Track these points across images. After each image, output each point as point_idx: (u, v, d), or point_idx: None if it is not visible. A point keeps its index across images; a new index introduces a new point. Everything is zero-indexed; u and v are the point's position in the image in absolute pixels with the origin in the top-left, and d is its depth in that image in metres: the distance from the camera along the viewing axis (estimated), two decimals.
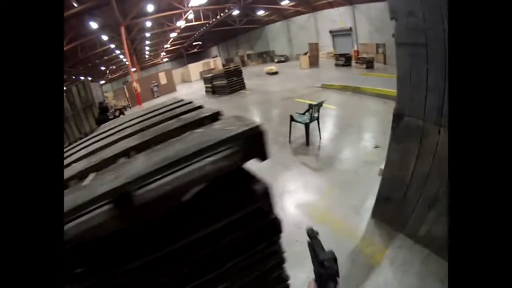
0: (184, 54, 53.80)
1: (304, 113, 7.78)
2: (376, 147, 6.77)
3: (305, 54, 27.11)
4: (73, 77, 36.62)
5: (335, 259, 1.14)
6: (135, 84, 27.23)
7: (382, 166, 4.06)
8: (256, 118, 11.44)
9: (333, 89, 14.28)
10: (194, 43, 51.48)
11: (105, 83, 50.82)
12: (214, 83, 20.03)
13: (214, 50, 56.36)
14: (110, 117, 7.83)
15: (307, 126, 7.39)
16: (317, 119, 7.68)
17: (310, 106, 7.57)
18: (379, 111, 9.46)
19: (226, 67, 20.07)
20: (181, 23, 30.04)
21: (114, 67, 45.68)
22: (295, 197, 5.46)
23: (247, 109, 13.79)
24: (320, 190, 5.53)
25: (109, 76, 50.38)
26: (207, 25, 35.07)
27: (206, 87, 21.02)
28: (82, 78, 40.01)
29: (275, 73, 25.32)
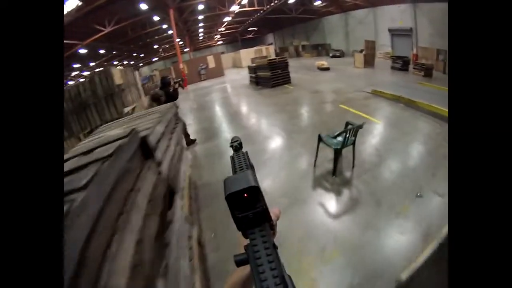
0: (239, 39, 53.69)
1: (337, 135, 6.24)
2: (418, 195, 5.28)
3: (361, 51, 25.33)
4: (125, 54, 39.21)
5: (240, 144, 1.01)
6: (181, 65, 27.02)
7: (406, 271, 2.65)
8: (288, 126, 10.55)
9: (384, 97, 12.78)
10: (249, 29, 50.91)
11: (158, 60, 53.66)
12: (258, 73, 19.02)
13: (270, 37, 55.55)
14: (170, 90, 8.15)
15: (337, 152, 6.05)
16: (353, 143, 6.30)
17: (347, 126, 6.31)
18: (433, 138, 8.07)
19: (270, 58, 19.05)
20: (234, 8, 29.81)
21: (167, 45, 46.32)
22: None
23: (281, 110, 12.74)
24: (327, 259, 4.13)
25: (162, 54, 51.27)
26: (261, 11, 34.35)
27: (250, 77, 20.17)
28: (134, 55, 42.91)
29: (326, 69, 23.87)
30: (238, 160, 0.89)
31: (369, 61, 24.32)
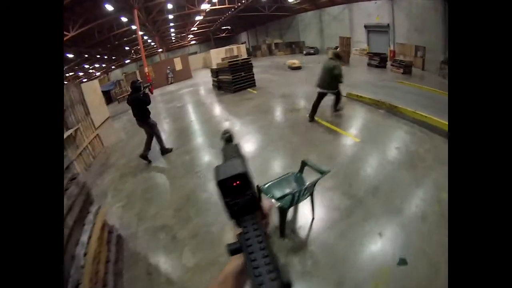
0: (211, 38, 51.65)
1: (284, 196, 4.04)
2: (400, 262, 3.53)
3: (335, 48, 23.47)
4: (95, 57, 37.61)
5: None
6: (147, 70, 25.31)
7: None
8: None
9: (361, 102, 10.82)
10: (222, 28, 49.32)
11: (131, 62, 51.85)
12: (220, 77, 16.94)
13: (244, 36, 53.76)
14: (140, 96, 7.55)
15: (283, 212, 3.99)
16: (311, 194, 4.35)
17: (303, 166, 4.53)
18: (426, 160, 6.30)
19: (231, 60, 16.76)
20: (205, 6, 28.80)
21: (139, 47, 43.45)
22: None
23: (237, 124, 10.69)
24: None
25: (134, 56, 49.29)
26: (233, 9, 32.79)
27: (213, 81, 18.03)
28: (105, 57, 41.31)
29: (298, 68, 21.96)
30: (230, 151, 0.86)
31: (344, 58, 22.37)
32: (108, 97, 25.09)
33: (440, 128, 7.59)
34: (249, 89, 15.93)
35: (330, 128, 8.61)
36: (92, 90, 15.11)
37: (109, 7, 20.47)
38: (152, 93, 9.94)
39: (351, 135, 7.89)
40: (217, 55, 34.02)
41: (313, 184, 4.11)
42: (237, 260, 0.74)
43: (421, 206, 4.68)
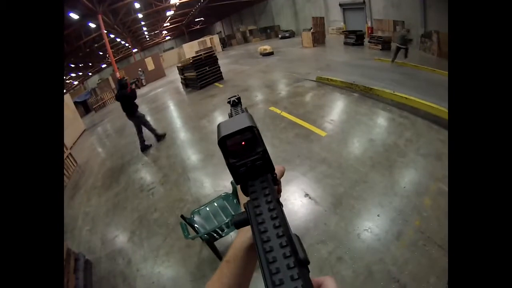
0: (185, 32, 50.21)
1: (218, 202, 3.83)
2: None
3: (310, 30, 22.12)
4: (69, 66, 36.46)
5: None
6: (118, 74, 23.53)
7: None
8: (192, 159, 7.53)
9: (333, 86, 9.42)
10: (196, 20, 47.41)
11: (106, 66, 50.09)
12: (185, 74, 15.59)
13: (219, 26, 52.21)
14: (126, 92, 7.96)
15: (209, 243, 3.54)
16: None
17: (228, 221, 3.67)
18: (407, 154, 5.19)
19: (194, 56, 15.37)
20: (174, 0, 27.72)
21: (113, 50, 42.16)
22: None
23: (196, 127, 9.36)
24: None
25: (109, 60, 47.06)
26: (202, 0, 31.68)
27: (181, 78, 16.56)
28: (81, 65, 39.90)
29: (270, 53, 20.56)
30: (236, 112, 0.77)
31: (319, 39, 21.34)
32: (86, 107, 24.42)
33: (423, 111, 6.33)
34: (215, 84, 14.69)
35: (293, 121, 7.33)
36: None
37: (74, 16, 19.58)
38: (139, 87, 10.54)
39: (316, 129, 6.63)
40: (190, 49, 32.57)
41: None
42: (246, 233, 0.67)
43: (398, 225, 3.66)
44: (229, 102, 0.87)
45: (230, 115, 0.76)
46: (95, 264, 4.58)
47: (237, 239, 0.68)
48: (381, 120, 6.48)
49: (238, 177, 0.57)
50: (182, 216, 3.71)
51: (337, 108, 7.85)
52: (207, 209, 3.96)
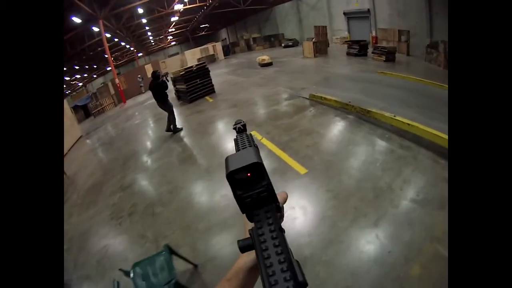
0: (190, 38, 49.52)
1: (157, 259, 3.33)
2: None
3: (312, 39, 21.18)
4: (74, 68, 37.67)
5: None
6: (117, 80, 23.87)
7: None
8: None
9: (327, 105, 8.38)
10: (201, 26, 46.90)
11: (111, 70, 49.47)
12: (177, 86, 14.63)
13: (224, 33, 51.36)
14: (159, 82, 9.18)
15: None
16: None
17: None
18: (399, 205, 4.19)
19: (185, 67, 14.70)
20: (178, 6, 27.52)
21: (118, 53, 43.64)
22: None
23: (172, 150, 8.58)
24: None
25: (115, 62, 46.95)
26: (205, 7, 30.93)
27: (174, 89, 15.37)
28: (86, 67, 40.01)
29: (269, 64, 19.52)
30: (242, 141, 0.81)
31: (321, 49, 20.27)
32: (86, 111, 24.10)
33: (427, 140, 5.28)
34: (206, 97, 13.80)
35: (272, 152, 6.34)
36: None
37: (76, 20, 19.56)
38: (168, 80, 11.12)
39: (296, 164, 5.61)
40: (192, 56, 31.93)
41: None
42: (249, 255, 0.71)
43: None
44: (234, 129, 0.91)
45: (236, 142, 0.80)
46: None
47: (240, 260, 0.72)
48: (377, 153, 5.44)
49: (244, 207, 0.60)
50: (121, 270, 3.33)
51: (327, 135, 6.80)
52: (142, 266, 3.33)
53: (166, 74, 11.41)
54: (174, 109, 9.68)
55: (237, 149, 0.76)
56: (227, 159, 0.62)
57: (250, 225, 0.59)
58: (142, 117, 14.64)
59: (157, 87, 9.17)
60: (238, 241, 0.59)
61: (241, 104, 11.21)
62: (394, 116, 6.20)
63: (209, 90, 14.37)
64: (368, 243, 3.48)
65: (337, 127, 6.94)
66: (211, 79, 14.51)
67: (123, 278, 3.26)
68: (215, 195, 5.36)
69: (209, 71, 14.46)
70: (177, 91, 14.81)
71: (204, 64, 14.48)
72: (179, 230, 4.70)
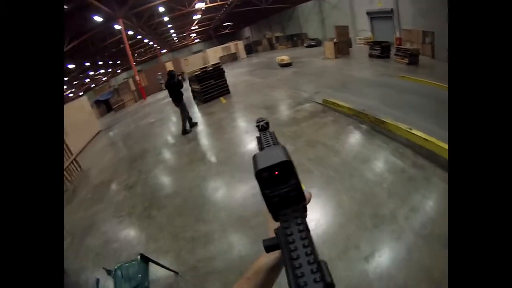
0: (213, 36, 49.70)
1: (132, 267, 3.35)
2: None
3: (333, 39, 20.60)
4: (97, 64, 38.33)
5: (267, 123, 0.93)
6: (137, 77, 24.24)
7: None
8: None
9: (339, 112, 7.95)
10: (224, 24, 46.68)
11: (136, 64, 50.51)
12: (193, 86, 14.61)
13: (247, 31, 51.10)
14: (175, 81, 9.66)
15: None
16: None
17: None
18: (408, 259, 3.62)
19: (201, 67, 14.58)
20: (200, 5, 27.19)
21: (142, 50, 44.38)
22: None
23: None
24: None
25: (138, 59, 48.06)
26: (226, 6, 30.48)
27: (191, 89, 15.54)
28: (110, 62, 41.18)
29: (288, 64, 19.13)
30: (265, 139, 0.80)
31: (342, 50, 19.61)
32: (108, 106, 24.62)
33: (444, 158, 4.81)
34: (221, 98, 13.75)
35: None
36: (78, 108, 14.67)
37: (97, 19, 20.01)
38: (184, 79, 12.00)
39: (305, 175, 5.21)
40: (214, 54, 31.99)
41: None
42: (270, 255, 0.70)
43: None
44: (257, 126, 0.90)
45: (259, 140, 0.80)
46: None
47: (261, 259, 0.71)
48: (386, 171, 5.00)
49: (272, 206, 0.58)
50: (104, 268, 3.45)
51: (334, 147, 6.31)
52: (122, 269, 3.37)
53: (182, 73, 12.26)
54: (189, 109, 10.19)
55: (260, 147, 0.76)
56: (255, 157, 0.61)
57: (274, 225, 0.57)
58: (159, 115, 14.77)
59: (173, 86, 9.66)
60: (264, 240, 0.57)
61: (251, 108, 11.09)
62: (410, 129, 5.74)
63: (224, 90, 14.31)
64: (353, 281, 3.09)
65: (347, 138, 6.54)
66: (225, 80, 14.45)
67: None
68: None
69: (224, 71, 14.34)
70: (193, 91, 14.76)
71: (219, 65, 14.34)
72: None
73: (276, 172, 0.57)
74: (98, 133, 15.32)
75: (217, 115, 11.21)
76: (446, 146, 4.97)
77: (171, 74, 9.89)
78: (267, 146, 0.74)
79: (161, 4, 24.18)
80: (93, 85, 45.97)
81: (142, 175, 7.51)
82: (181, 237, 4.61)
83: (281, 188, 0.57)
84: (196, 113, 12.10)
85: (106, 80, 48.16)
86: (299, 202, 0.58)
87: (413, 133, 5.63)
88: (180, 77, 10.38)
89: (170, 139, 10.17)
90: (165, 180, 7.12)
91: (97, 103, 24.35)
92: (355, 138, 6.44)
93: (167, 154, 8.84)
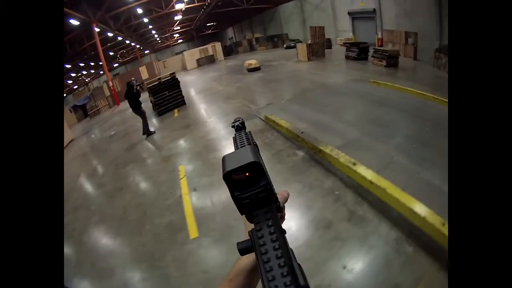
0: (194, 36, 48.45)
1: None
2: None
3: (308, 41, 19.32)
4: (79, 65, 37.43)
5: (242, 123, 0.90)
6: (111, 83, 23.22)
7: None
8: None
9: (278, 131, 6.40)
10: (207, 24, 45.65)
11: (118, 65, 50.92)
12: (150, 98, 13.84)
13: (230, 32, 49.91)
14: (134, 92, 9.80)
15: None
16: None
17: None
18: None
19: (152, 80, 13.97)
20: (180, 5, 26.80)
21: (124, 51, 43.38)
22: None
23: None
24: None
25: (120, 60, 47.67)
26: (205, 6, 29.44)
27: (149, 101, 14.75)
28: (92, 64, 39.95)
29: (256, 69, 17.85)
30: (240, 139, 0.78)
31: (317, 52, 18.32)
32: (84, 111, 23.16)
33: (397, 213, 3.28)
34: (175, 110, 13.15)
35: (180, 198, 4.87)
36: None
37: (74, 22, 19.61)
38: (143, 90, 11.09)
39: (192, 223, 4.28)
40: (191, 57, 30.76)
41: None
42: (250, 256, 0.67)
43: None
44: (233, 127, 0.86)
45: (235, 140, 0.77)
46: None
47: (240, 261, 0.70)
48: (304, 225, 3.50)
49: (242, 208, 0.58)
50: None
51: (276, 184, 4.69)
52: None
53: (142, 83, 11.47)
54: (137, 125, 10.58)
55: (236, 147, 0.73)
56: (224, 159, 0.59)
57: (250, 226, 0.56)
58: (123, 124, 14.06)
59: (131, 96, 9.91)
60: (238, 243, 0.56)
61: (196, 123, 10.41)
62: (354, 164, 4.19)
63: (179, 102, 13.74)
64: None
65: (277, 168, 4.98)
66: (181, 91, 13.88)
67: None
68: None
69: (179, 82, 13.63)
70: (151, 102, 14.00)
71: (173, 75, 13.57)
72: None
73: (248, 174, 0.55)
74: (70, 142, 14.19)
75: (161, 132, 10.77)
76: (401, 196, 3.43)
77: (129, 85, 9.97)
78: (242, 147, 0.70)
79: (138, 6, 23.74)
80: (76, 86, 45.59)
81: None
82: None
83: (251, 190, 0.56)
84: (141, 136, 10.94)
85: (88, 82, 47.16)
86: (272, 203, 0.57)
87: (356, 172, 4.08)
88: (139, 87, 10.28)
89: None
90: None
91: (75, 108, 23.15)
92: (285, 169, 4.93)
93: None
